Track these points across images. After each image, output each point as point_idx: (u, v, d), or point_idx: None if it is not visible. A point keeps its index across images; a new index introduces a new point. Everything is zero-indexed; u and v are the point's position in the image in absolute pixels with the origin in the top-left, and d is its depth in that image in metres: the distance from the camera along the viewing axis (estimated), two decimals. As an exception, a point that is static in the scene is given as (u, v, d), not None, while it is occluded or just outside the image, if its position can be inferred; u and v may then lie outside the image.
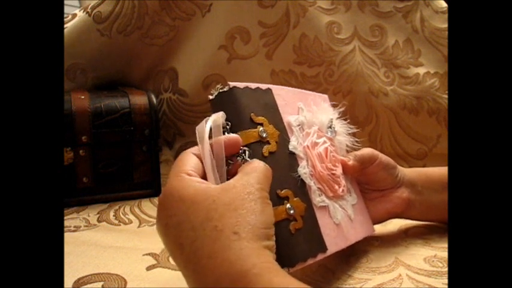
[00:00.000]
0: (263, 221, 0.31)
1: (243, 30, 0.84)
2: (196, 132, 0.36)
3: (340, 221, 0.43)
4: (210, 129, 0.36)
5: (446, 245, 0.52)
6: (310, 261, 0.38)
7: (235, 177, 0.34)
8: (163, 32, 0.83)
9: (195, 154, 0.36)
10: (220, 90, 0.39)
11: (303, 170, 0.41)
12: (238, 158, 0.37)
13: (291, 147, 0.42)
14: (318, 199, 0.42)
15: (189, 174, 0.34)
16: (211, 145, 0.36)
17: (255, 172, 0.34)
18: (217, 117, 0.37)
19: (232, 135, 0.37)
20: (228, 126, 0.38)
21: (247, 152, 0.37)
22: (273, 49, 0.84)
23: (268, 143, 0.39)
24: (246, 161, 0.37)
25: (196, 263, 0.30)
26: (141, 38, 0.82)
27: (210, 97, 0.40)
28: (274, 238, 0.32)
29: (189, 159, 0.35)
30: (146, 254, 0.48)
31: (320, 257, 0.39)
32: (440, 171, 0.56)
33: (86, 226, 0.57)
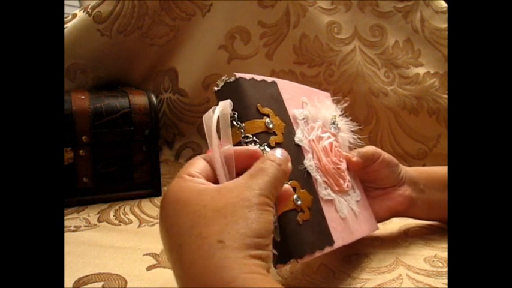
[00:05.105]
0: (255, 229, 0.29)
1: (243, 30, 0.84)
2: (204, 121, 0.35)
3: (346, 215, 0.44)
4: (218, 118, 0.35)
5: (446, 245, 0.52)
6: (317, 254, 0.38)
7: (239, 178, 0.32)
8: (163, 32, 0.83)
9: (204, 159, 0.35)
10: (226, 81, 0.39)
11: (309, 162, 0.42)
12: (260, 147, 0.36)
13: (296, 140, 0.42)
14: (324, 192, 0.42)
15: (192, 175, 0.33)
16: (220, 141, 0.34)
17: (261, 175, 0.32)
18: (225, 106, 0.36)
19: (253, 148, 0.35)
20: (235, 115, 0.38)
21: (265, 147, 0.36)
22: (273, 49, 0.85)
23: (274, 134, 0.39)
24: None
25: (180, 269, 0.29)
26: (141, 38, 0.82)
27: (216, 88, 0.40)
28: (269, 247, 0.30)
29: (195, 162, 0.34)
30: (146, 254, 0.48)
31: (327, 249, 0.39)
32: (442, 170, 0.56)
33: (86, 226, 0.57)
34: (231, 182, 0.32)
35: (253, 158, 0.35)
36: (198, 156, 0.35)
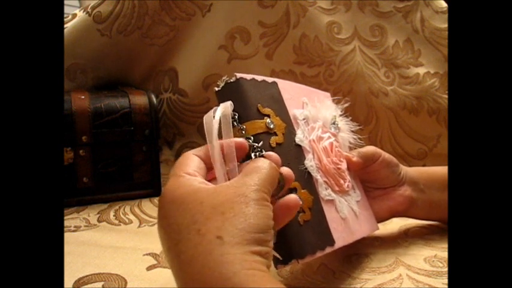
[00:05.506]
0: (254, 224, 0.29)
1: (243, 30, 0.84)
2: (204, 122, 0.35)
3: (347, 216, 0.44)
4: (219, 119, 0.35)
5: (446, 245, 0.52)
6: (318, 254, 0.38)
7: (235, 178, 0.32)
8: (163, 32, 0.83)
9: (196, 155, 0.35)
10: (227, 81, 0.40)
11: (310, 162, 0.42)
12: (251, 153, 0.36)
13: (297, 140, 0.42)
14: (324, 192, 0.42)
15: (188, 173, 0.33)
16: (220, 139, 0.34)
17: (256, 173, 0.32)
18: (226, 108, 0.36)
19: (240, 140, 0.36)
20: (236, 117, 0.38)
21: (253, 152, 0.36)
22: (273, 49, 0.84)
23: (275, 134, 0.39)
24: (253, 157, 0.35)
25: (178, 267, 0.28)
26: (141, 38, 0.82)
27: (216, 88, 0.40)
28: (270, 244, 0.30)
29: (189, 159, 0.34)
30: (146, 254, 0.48)
31: (328, 250, 0.39)
32: (442, 170, 0.56)
33: (86, 226, 0.57)
34: (227, 182, 0.33)
35: (239, 149, 0.35)
36: (189, 152, 0.35)
